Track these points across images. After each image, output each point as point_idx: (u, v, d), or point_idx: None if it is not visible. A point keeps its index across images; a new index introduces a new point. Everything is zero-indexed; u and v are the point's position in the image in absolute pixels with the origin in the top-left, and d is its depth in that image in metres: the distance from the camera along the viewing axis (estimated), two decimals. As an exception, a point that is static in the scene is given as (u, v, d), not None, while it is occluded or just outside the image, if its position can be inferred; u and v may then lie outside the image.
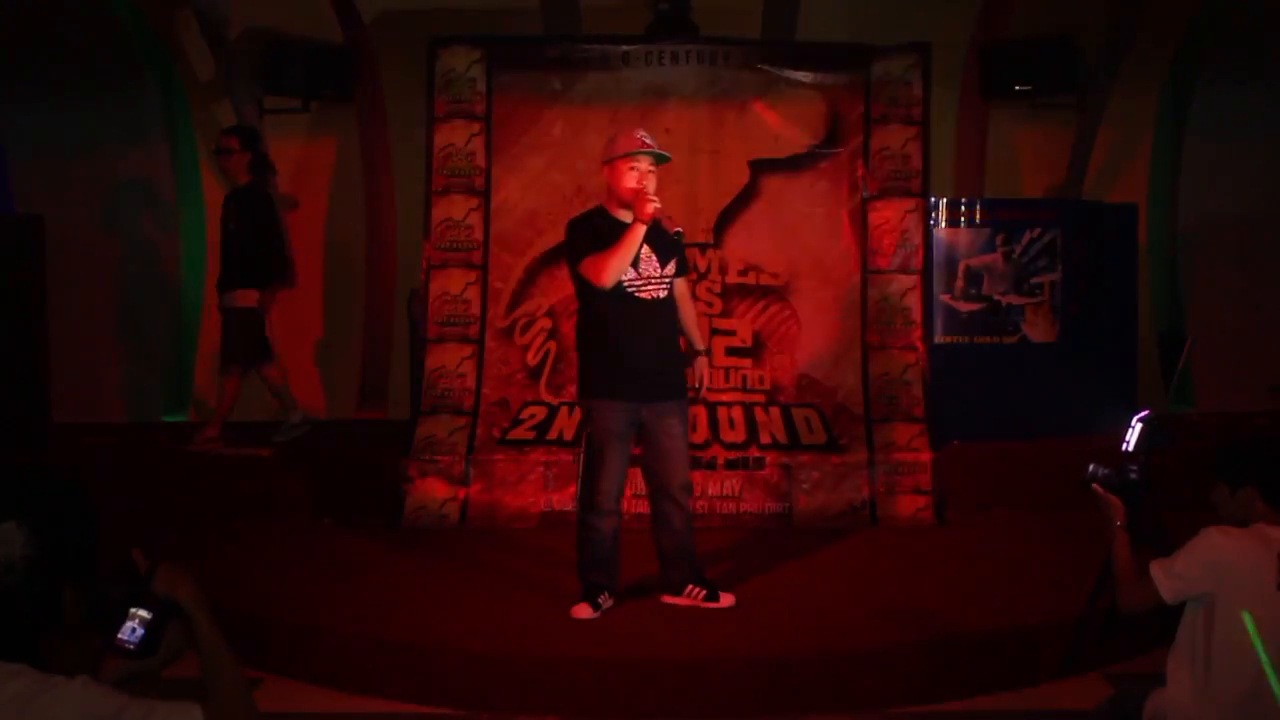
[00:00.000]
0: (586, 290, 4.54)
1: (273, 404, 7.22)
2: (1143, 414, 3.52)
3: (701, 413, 6.35)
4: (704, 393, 4.86)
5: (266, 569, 5.40)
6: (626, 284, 4.48)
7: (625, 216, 4.51)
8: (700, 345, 4.81)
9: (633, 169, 4.49)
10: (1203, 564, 2.96)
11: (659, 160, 4.55)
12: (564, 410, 6.37)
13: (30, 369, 7.17)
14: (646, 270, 4.52)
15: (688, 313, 4.77)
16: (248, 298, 6.83)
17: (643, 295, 4.51)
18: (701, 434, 6.30)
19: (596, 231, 4.53)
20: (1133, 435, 3.49)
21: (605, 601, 4.61)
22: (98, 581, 2.02)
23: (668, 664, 4.22)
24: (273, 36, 7.94)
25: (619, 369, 4.51)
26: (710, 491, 6.22)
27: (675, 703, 4.13)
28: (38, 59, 7.75)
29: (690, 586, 4.70)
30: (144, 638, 1.99)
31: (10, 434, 6.85)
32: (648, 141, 4.52)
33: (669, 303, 4.61)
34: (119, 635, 1.98)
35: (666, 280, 4.58)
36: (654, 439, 4.57)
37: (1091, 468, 3.30)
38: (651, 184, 4.48)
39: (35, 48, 7.71)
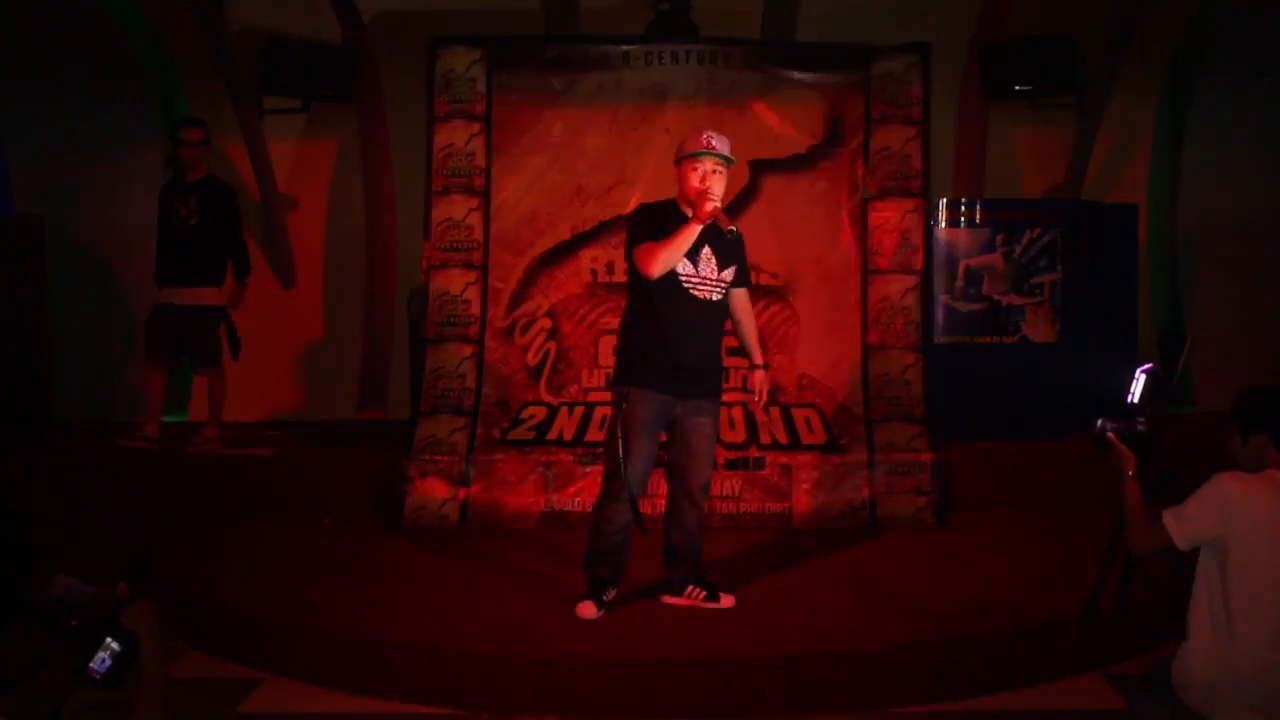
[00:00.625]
0: (640, 278, 4.55)
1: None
2: (1145, 366, 3.61)
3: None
4: (759, 406, 4.85)
5: (266, 569, 5.40)
6: (683, 279, 4.51)
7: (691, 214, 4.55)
8: (758, 359, 4.76)
9: (695, 169, 4.52)
10: (1214, 508, 3.03)
11: (727, 162, 4.56)
12: (564, 410, 6.38)
13: (30, 369, 7.17)
14: (705, 270, 4.55)
15: (748, 325, 4.76)
16: (218, 295, 6.76)
17: (697, 294, 4.54)
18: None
19: (659, 221, 4.55)
20: (1137, 387, 3.59)
21: (609, 595, 4.63)
22: (32, 620, 2.01)
23: (668, 664, 4.22)
24: (272, 36, 7.94)
25: (661, 360, 4.52)
26: (710, 491, 6.21)
27: (675, 703, 4.13)
28: (38, 59, 7.76)
29: (691, 587, 4.71)
30: (110, 669, 1.99)
31: (9, 434, 6.85)
32: (713, 144, 4.53)
33: (720, 307, 4.62)
34: (91, 664, 1.98)
35: (721, 285, 4.59)
36: (683, 435, 4.59)
37: (1099, 422, 3.42)
38: (716, 184, 4.50)
39: (36, 48, 7.72)
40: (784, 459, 6.29)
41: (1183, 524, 3.07)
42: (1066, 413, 7.08)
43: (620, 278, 6.56)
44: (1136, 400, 3.58)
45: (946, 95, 8.03)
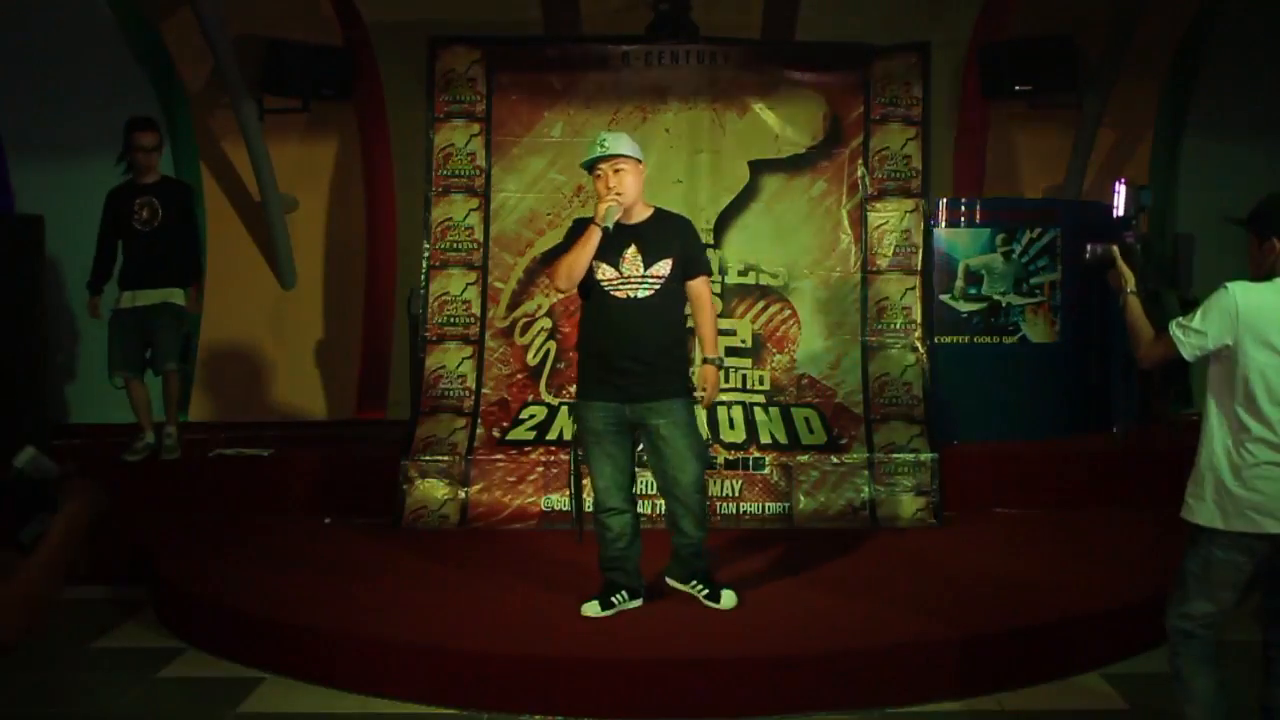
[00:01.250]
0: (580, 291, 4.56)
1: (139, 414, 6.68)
2: (1122, 180, 3.70)
3: (701, 413, 6.36)
4: (706, 403, 4.65)
5: (267, 569, 5.40)
6: (604, 282, 4.46)
7: (622, 217, 4.47)
8: (709, 353, 4.56)
9: (599, 175, 4.45)
10: (1221, 317, 3.12)
11: (629, 159, 4.42)
12: (564, 410, 6.38)
13: (30, 369, 7.17)
14: (629, 270, 4.45)
15: (699, 317, 4.59)
16: (183, 295, 6.57)
17: (618, 294, 4.46)
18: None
19: (576, 230, 4.50)
20: (1119, 200, 3.67)
21: (621, 600, 4.61)
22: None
23: (668, 664, 4.22)
24: (273, 37, 7.94)
25: (598, 368, 4.51)
26: (710, 492, 6.21)
27: (675, 703, 4.13)
28: (38, 59, 7.75)
29: (695, 581, 4.71)
30: (36, 540, 2.09)
31: (10, 434, 6.85)
32: (606, 145, 4.42)
33: (653, 304, 4.46)
34: (21, 532, 2.09)
35: (651, 280, 4.45)
36: (648, 441, 4.56)
37: (1090, 246, 3.55)
38: (622, 182, 4.39)
39: (35, 48, 7.71)
40: (784, 459, 6.29)
41: (1189, 335, 3.17)
42: (1066, 413, 7.15)
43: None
44: (1120, 214, 3.69)
45: (946, 95, 8.03)
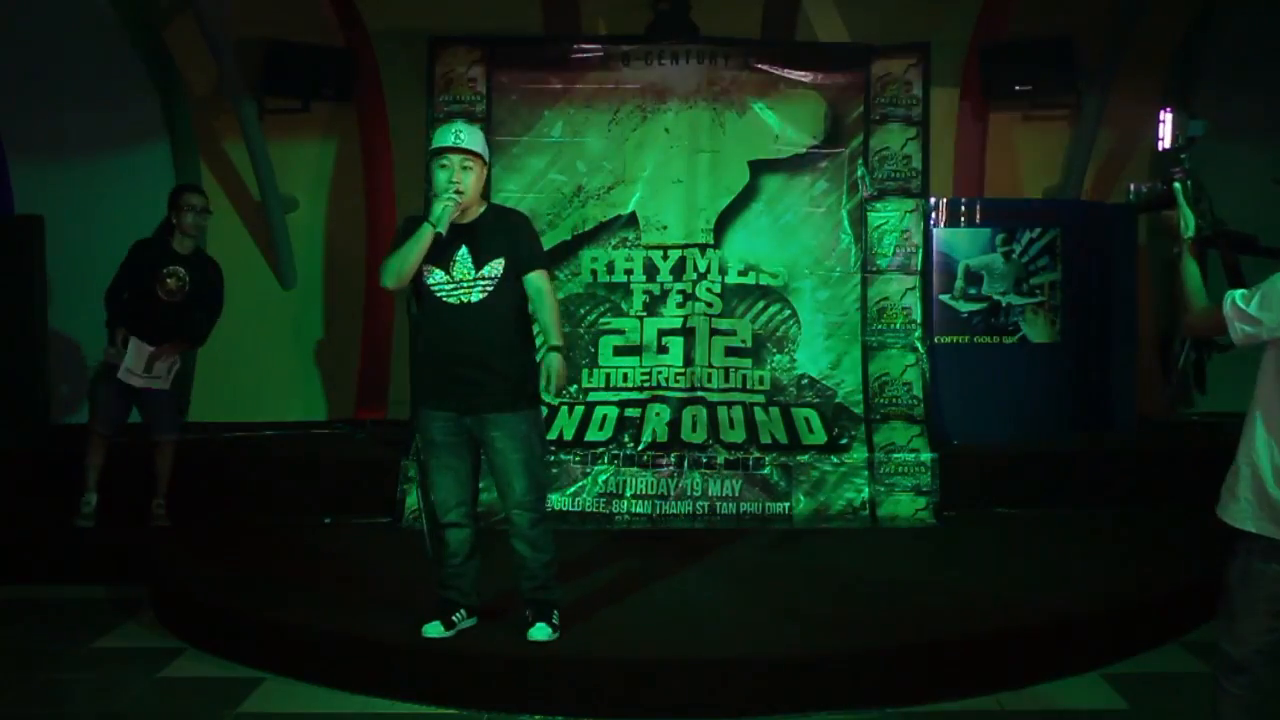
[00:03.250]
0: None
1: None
2: (1167, 109, 3.30)
3: (701, 413, 6.36)
4: (556, 391, 4.28)
5: (267, 569, 5.40)
6: (434, 287, 4.23)
7: (457, 217, 4.20)
8: (552, 341, 4.22)
9: (444, 165, 4.19)
10: None
11: (479, 157, 4.22)
12: (564, 410, 6.38)
13: (30, 369, 7.17)
14: (459, 273, 4.20)
15: (540, 308, 4.27)
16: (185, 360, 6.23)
17: (450, 300, 4.20)
18: (701, 434, 6.31)
19: (409, 228, 4.23)
20: (1165, 130, 3.29)
21: (461, 619, 4.42)
22: None
23: (668, 664, 4.22)
24: (273, 37, 7.94)
25: (432, 376, 4.33)
26: (710, 492, 6.22)
27: (674, 703, 4.13)
28: (39, 59, 7.75)
29: (526, 610, 4.39)
30: None
31: (10, 434, 6.85)
32: (457, 139, 4.18)
33: (488, 307, 4.20)
34: None
35: (484, 282, 4.20)
36: (487, 454, 4.35)
37: (1133, 187, 3.15)
38: (466, 180, 4.16)
39: (37, 48, 7.71)
40: (784, 459, 6.29)
41: (1245, 323, 2.82)
42: (1066, 413, 7.15)
43: (620, 278, 6.57)
44: (1168, 146, 3.31)
45: (946, 95, 8.02)
